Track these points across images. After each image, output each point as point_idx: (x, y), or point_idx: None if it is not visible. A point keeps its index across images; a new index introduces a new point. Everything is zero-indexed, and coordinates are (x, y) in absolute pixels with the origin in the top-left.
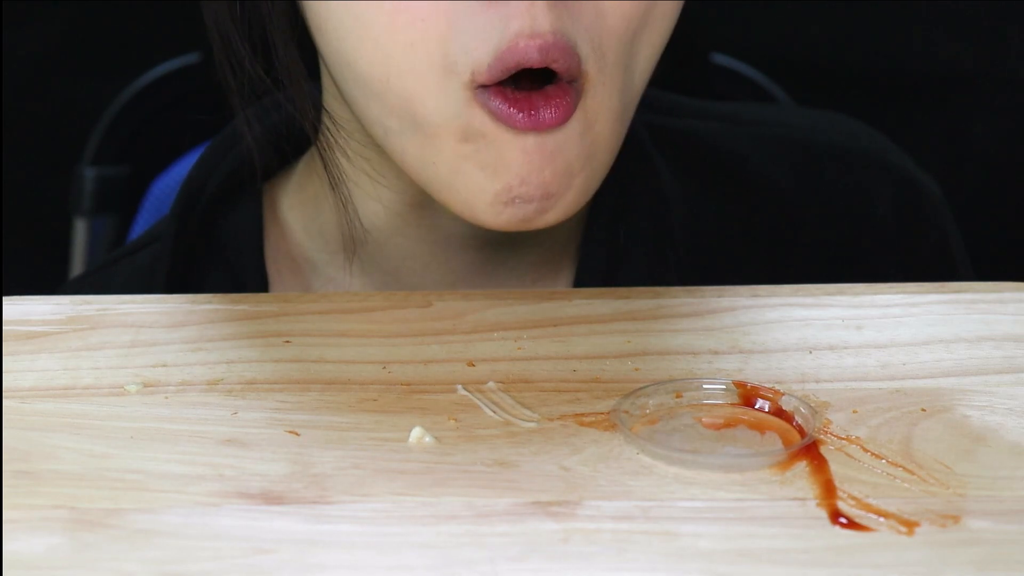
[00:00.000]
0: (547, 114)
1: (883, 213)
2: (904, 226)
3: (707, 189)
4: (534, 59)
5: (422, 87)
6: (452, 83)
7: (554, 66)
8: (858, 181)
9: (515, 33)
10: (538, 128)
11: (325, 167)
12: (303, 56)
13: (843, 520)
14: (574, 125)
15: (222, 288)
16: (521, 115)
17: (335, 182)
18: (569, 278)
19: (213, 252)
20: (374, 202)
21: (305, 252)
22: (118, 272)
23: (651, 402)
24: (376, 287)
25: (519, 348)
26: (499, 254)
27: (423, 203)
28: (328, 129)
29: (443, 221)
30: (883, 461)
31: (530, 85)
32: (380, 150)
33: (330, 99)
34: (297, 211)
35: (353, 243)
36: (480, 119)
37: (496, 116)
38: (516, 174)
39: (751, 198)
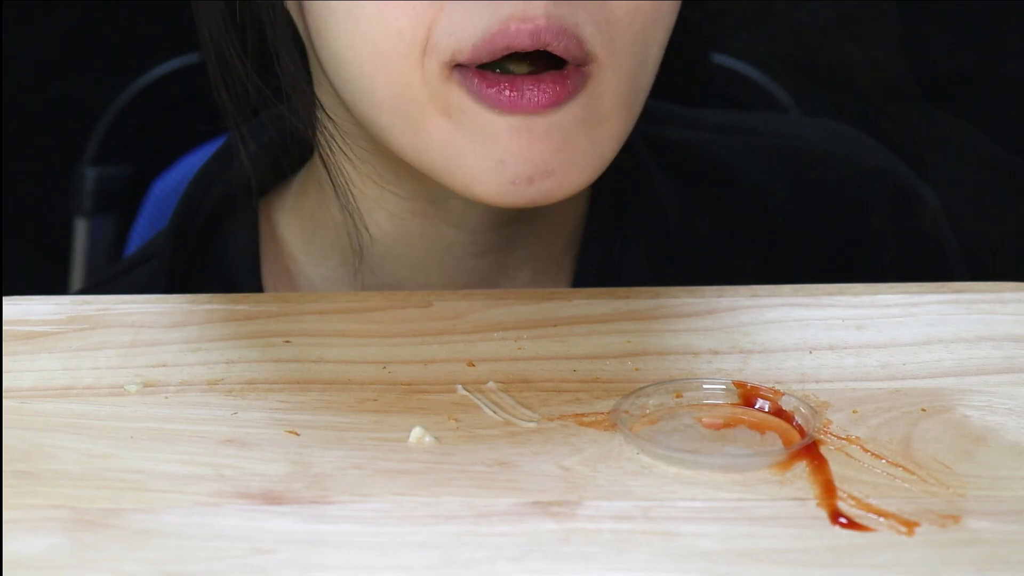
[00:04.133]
0: (533, 96)
1: (879, 224)
2: (900, 237)
3: (702, 200)
4: (524, 42)
5: (407, 69)
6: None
7: (550, 48)
8: (854, 191)
9: (507, 16)
10: (523, 109)
11: (330, 175)
12: (304, 64)
13: (843, 520)
14: (574, 108)
15: None
16: (503, 95)
17: (341, 190)
18: (566, 286)
19: (210, 271)
20: (380, 210)
21: (303, 269)
22: (114, 290)
23: (651, 402)
24: None
25: (519, 348)
26: (499, 263)
27: (427, 211)
28: (333, 136)
29: (446, 229)
30: (883, 461)
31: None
32: (385, 154)
33: (335, 107)
34: (295, 227)
35: (361, 252)
36: (457, 95)
37: (476, 96)
38: (506, 148)
39: (745, 208)
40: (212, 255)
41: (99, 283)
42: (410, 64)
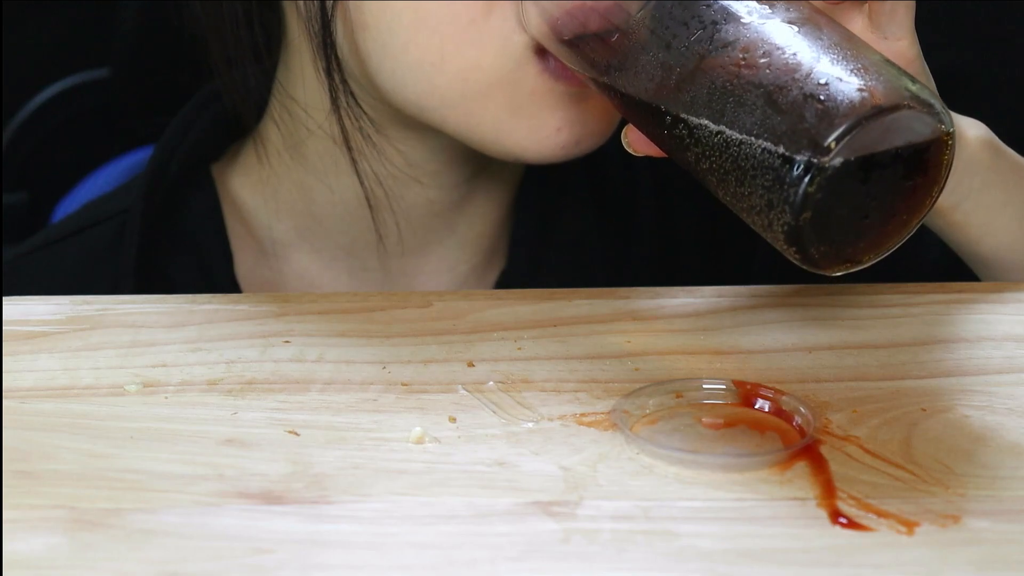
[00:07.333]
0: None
1: None
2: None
3: (688, 186)
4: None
5: (477, 55)
6: (515, 43)
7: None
8: None
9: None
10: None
11: (347, 142)
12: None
13: (843, 520)
14: None
15: (188, 265)
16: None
17: (365, 175)
18: (506, 239)
19: (177, 232)
20: (349, 179)
21: (263, 226)
22: (69, 249)
23: (651, 402)
24: (325, 262)
25: (519, 348)
26: (450, 221)
27: (412, 174)
28: (358, 119)
29: (425, 189)
30: (883, 461)
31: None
32: (402, 134)
33: (357, 89)
34: (252, 190)
35: (371, 209)
36: (533, 75)
37: (552, 75)
38: (564, 116)
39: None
40: (178, 217)
41: (51, 241)
42: (481, 51)
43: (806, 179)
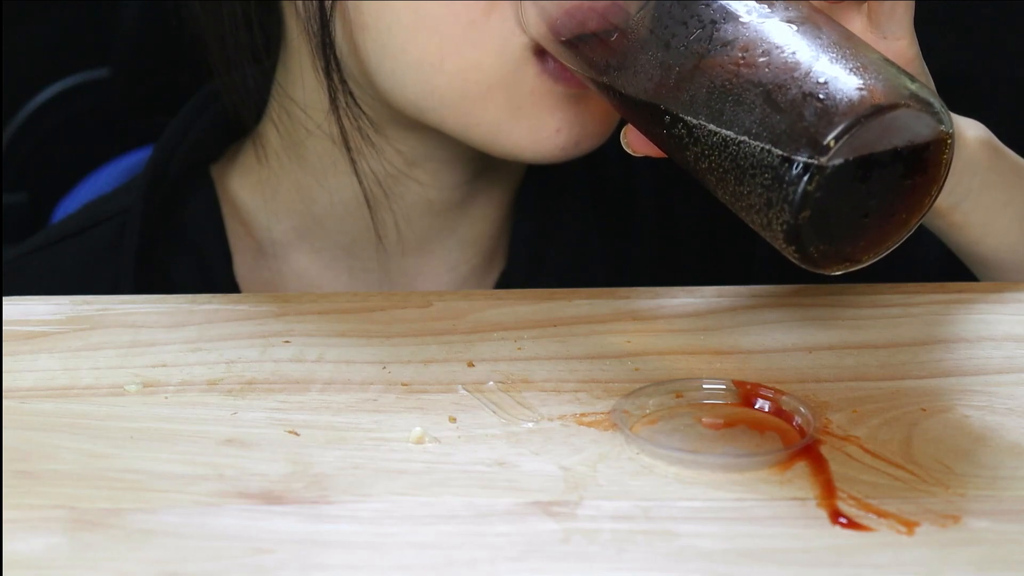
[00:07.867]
0: None
1: None
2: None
3: (687, 186)
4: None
5: (477, 56)
6: (514, 44)
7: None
8: None
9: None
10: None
11: (346, 142)
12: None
13: (843, 520)
14: None
15: (188, 265)
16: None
17: (364, 174)
18: (506, 243)
19: (176, 233)
20: (348, 179)
21: (262, 227)
22: (69, 249)
23: (651, 402)
24: (325, 262)
25: (519, 348)
26: (451, 221)
27: (410, 173)
28: (357, 119)
29: (425, 188)
30: (883, 461)
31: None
32: (397, 131)
33: (355, 88)
34: (251, 191)
35: (370, 208)
36: (532, 75)
37: (551, 75)
38: (563, 117)
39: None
40: (177, 218)
41: (49, 243)
42: (480, 51)
43: (805, 178)
